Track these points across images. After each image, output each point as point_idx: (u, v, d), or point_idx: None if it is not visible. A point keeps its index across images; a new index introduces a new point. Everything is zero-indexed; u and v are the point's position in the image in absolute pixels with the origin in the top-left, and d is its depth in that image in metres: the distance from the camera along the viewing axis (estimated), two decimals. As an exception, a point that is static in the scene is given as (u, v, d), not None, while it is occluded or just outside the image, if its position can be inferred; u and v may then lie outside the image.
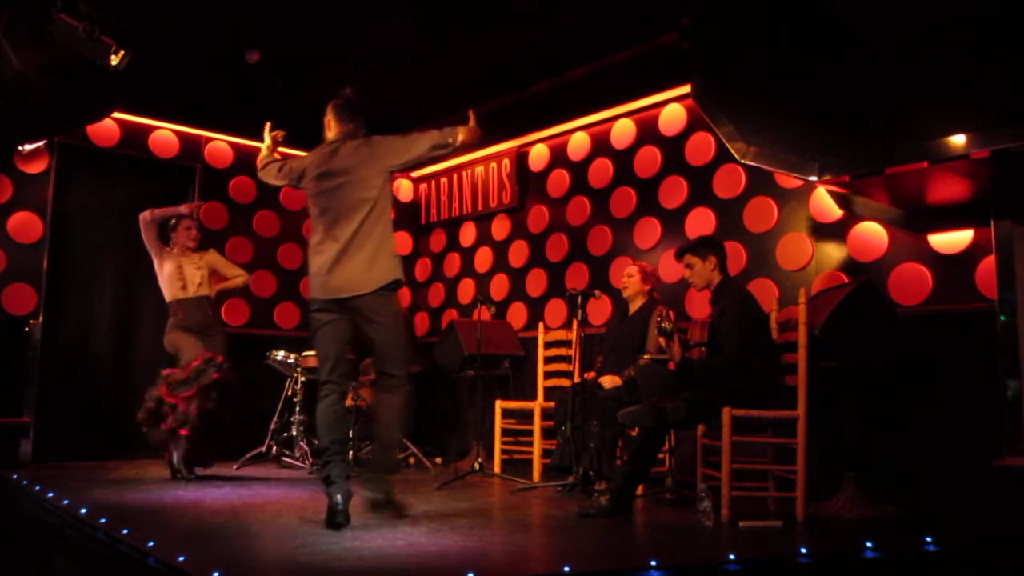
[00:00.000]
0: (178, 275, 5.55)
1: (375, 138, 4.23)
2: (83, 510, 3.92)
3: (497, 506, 4.71)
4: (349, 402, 6.54)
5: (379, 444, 4.17)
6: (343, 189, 4.07)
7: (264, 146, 4.46)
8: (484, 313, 6.23)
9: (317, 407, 4.02)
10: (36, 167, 6.63)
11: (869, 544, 3.38)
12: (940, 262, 4.65)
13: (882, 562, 3.32)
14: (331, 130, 4.27)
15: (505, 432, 6.13)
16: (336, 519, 3.73)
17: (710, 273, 4.49)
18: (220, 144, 7.48)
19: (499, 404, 6.14)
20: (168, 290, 5.58)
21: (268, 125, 4.51)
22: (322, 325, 4.03)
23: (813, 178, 4.36)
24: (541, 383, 6.19)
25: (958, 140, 3.77)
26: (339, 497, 3.77)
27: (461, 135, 4.19)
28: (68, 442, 6.49)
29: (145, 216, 5.59)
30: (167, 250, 5.65)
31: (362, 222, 4.02)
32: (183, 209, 5.69)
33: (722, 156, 5.58)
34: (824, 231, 5.16)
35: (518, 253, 7.17)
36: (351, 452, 6.28)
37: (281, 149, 4.48)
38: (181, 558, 2.89)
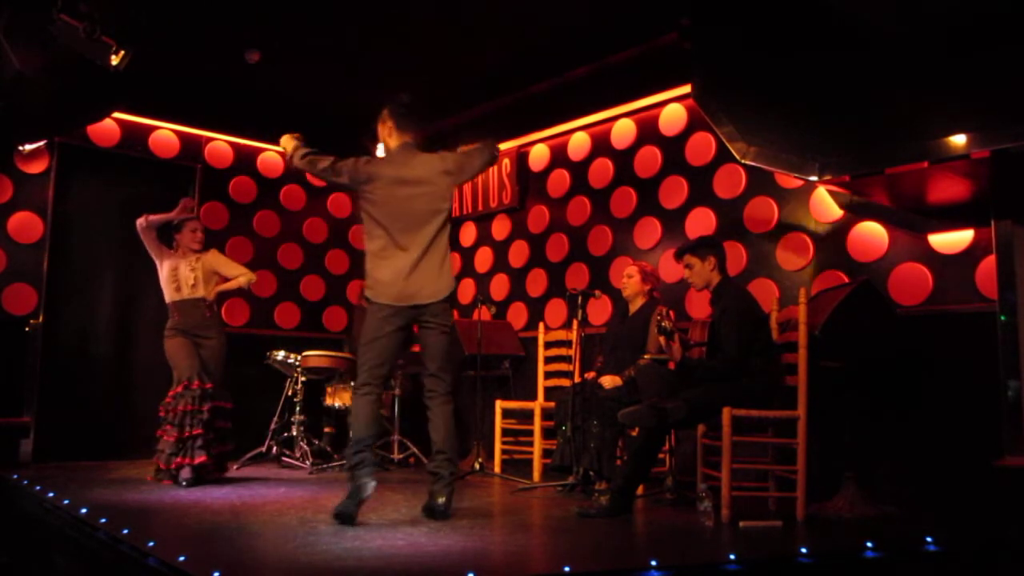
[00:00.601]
0: (173, 277, 5.53)
1: (444, 152, 4.39)
2: (83, 510, 3.92)
3: (497, 506, 4.71)
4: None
5: (445, 454, 4.18)
6: (418, 199, 4.18)
7: (291, 137, 4.42)
8: (484, 313, 6.23)
9: (355, 403, 4.14)
10: (36, 167, 6.63)
11: (869, 544, 3.38)
12: (940, 262, 4.65)
13: (882, 562, 3.32)
14: (392, 138, 4.33)
15: (505, 432, 6.13)
16: (352, 508, 3.85)
17: (709, 273, 4.49)
18: (220, 144, 7.48)
19: (499, 404, 6.14)
20: (165, 292, 5.57)
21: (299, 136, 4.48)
22: (387, 332, 4.12)
23: (813, 178, 4.36)
24: (541, 383, 6.19)
25: (958, 140, 3.77)
26: (373, 484, 3.92)
27: (498, 145, 4.53)
28: (68, 442, 6.48)
29: (140, 223, 5.56)
30: (168, 252, 5.63)
31: (435, 233, 4.18)
32: (173, 215, 5.64)
33: (722, 156, 5.58)
34: (824, 231, 5.17)
35: (518, 253, 7.17)
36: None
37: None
38: (181, 558, 2.89)
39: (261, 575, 2.97)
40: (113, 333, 6.98)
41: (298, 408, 6.49)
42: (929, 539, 3.48)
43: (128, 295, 7.04)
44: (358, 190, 4.28)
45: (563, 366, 6.06)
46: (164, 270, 5.56)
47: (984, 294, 4.44)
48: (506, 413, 6.12)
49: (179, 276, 5.53)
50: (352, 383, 5.88)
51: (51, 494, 4.47)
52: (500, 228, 7.39)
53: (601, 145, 6.62)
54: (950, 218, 4.61)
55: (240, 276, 5.70)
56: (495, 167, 7.35)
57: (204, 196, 7.31)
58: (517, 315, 7.07)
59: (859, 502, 4.29)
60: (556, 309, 6.76)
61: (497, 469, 6.00)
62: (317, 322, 7.86)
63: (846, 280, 4.89)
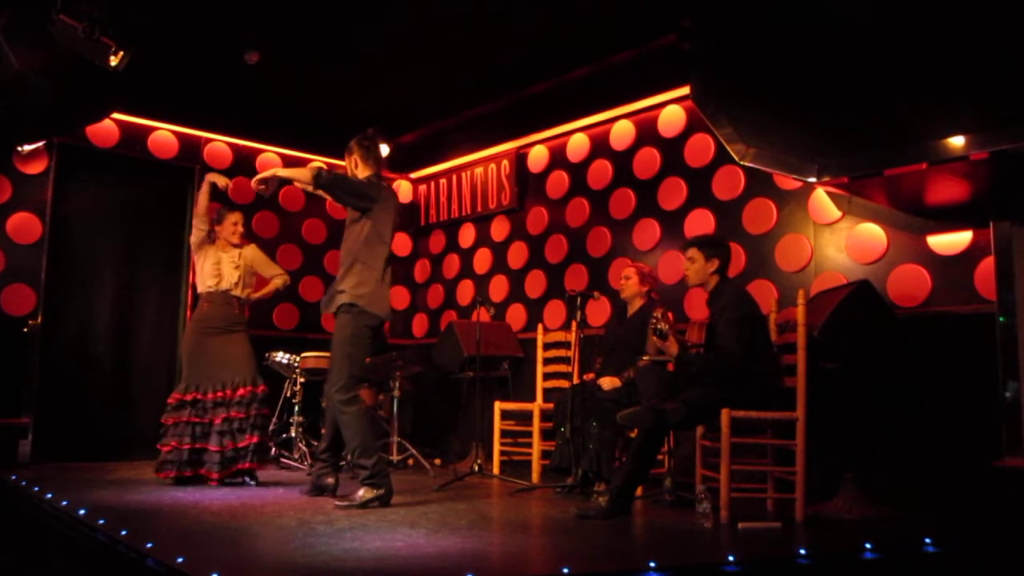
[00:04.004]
0: (216, 270, 5.46)
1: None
2: (82, 511, 3.92)
3: (496, 507, 4.70)
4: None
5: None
6: (393, 223, 4.68)
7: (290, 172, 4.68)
8: (483, 314, 6.23)
9: (364, 414, 4.47)
10: (35, 167, 6.62)
11: (868, 545, 3.38)
12: (939, 263, 4.65)
13: (881, 563, 3.32)
14: (359, 169, 4.71)
15: (504, 433, 6.13)
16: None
17: (708, 274, 4.47)
18: (219, 145, 7.47)
19: (498, 405, 6.13)
20: (203, 282, 5.48)
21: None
22: (373, 339, 4.64)
23: (812, 179, 4.36)
24: (540, 384, 6.19)
25: (957, 141, 3.77)
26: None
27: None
28: (67, 443, 6.48)
29: (201, 229, 5.50)
30: (208, 245, 5.59)
31: None
32: (209, 178, 5.55)
33: (721, 157, 5.59)
34: (823, 232, 5.17)
35: (517, 254, 7.18)
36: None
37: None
38: (180, 559, 2.89)
39: (260, 576, 2.97)
40: (112, 333, 6.97)
41: (297, 409, 6.49)
42: (928, 540, 3.48)
43: (127, 295, 7.04)
44: (371, 209, 4.56)
45: (562, 367, 6.06)
46: (207, 262, 5.47)
47: (983, 295, 4.45)
48: (505, 414, 6.12)
49: (222, 270, 5.48)
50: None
51: (50, 495, 4.47)
52: (499, 229, 7.39)
53: (600, 146, 6.62)
54: (949, 219, 4.61)
55: (276, 277, 5.69)
56: (496, 167, 7.37)
57: (203, 197, 7.30)
58: (516, 316, 7.08)
59: (858, 503, 4.29)
60: (555, 310, 6.76)
61: (496, 470, 6.00)
62: (316, 323, 7.85)
63: (845, 281, 4.89)
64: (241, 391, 5.30)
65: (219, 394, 5.30)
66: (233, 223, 5.57)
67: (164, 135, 7.21)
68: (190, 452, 5.20)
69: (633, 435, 4.63)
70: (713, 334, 4.41)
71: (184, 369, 5.44)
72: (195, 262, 5.58)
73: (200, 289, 5.53)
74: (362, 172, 4.69)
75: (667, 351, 4.36)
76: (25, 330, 6.45)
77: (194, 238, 5.53)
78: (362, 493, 4.38)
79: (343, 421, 4.46)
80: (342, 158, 4.83)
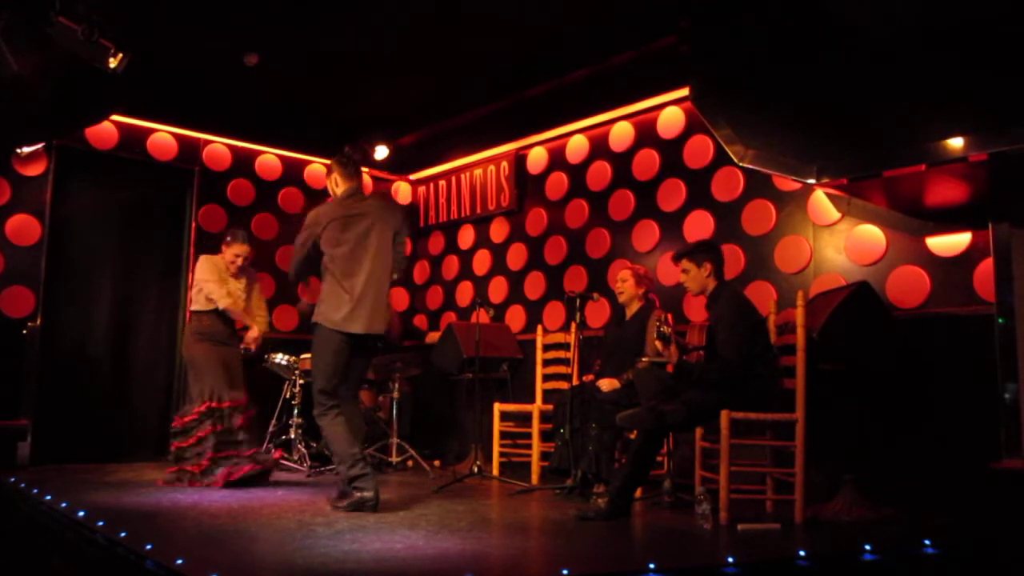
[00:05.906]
0: (226, 292, 5.50)
1: (389, 201, 4.78)
2: (81, 513, 3.92)
3: (495, 509, 4.70)
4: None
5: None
6: (372, 232, 4.54)
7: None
8: (483, 316, 6.23)
9: (334, 423, 4.38)
10: (34, 169, 6.62)
11: (867, 547, 3.38)
12: (938, 265, 4.65)
13: (880, 564, 3.33)
14: (340, 186, 4.68)
15: (503, 435, 6.13)
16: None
17: (705, 279, 4.48)
18: (218, 147, 7.46)
19: (497, 407, 6.14)
20: (212, 302, 5.49)
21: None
22: (345, 355, 4.47)
23: (811, 181, 4.36)
24: (539, 386, 6.19)
25: (956, 143, 3.77)
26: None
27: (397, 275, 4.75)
28: (66, 444, 6.47)
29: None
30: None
31: (384, 266, 4.56)
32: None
33: (720, 159, 5.59)
34: (822, 234, 5.17)
35: (516, 256, 7.18)
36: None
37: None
38: (179, 561, 2.89)
39: (259, 578, 2.97)
40: (111, 335, 6.97)
41: (296, 411, 6.48)
42: (927, 541, 3.48)
43: (126, 297, 7.03)
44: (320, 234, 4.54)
45: (561, 368, 6.06)
46: (224, 285, 5.52)
47: (982, 297, 4.45)
48: (504, 416, 6.12)
49: (232, 290, 5.53)
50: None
51: (49, 496, 4.47)
52: (498, 231, 7.39)
53: (599, 148, 6.62)
54: (948, 221, 4.61)
55: (259, 318, 5.72)
56: (495, 169, 7.37)
57: (201, 199, 7.30)
58: (515, 317, 7.07)
59: (857, 504, 4.29)
60: (554, 311, 6.76)
61: (495, 472, 6.00)
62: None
63: (844, 283, 4.89)
64: (243, 401, 5.44)
65: (237, 402, 5.42)
66: (235, 254, 5.54)
67: (163, 137, 7.20)
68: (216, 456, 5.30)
69: (632, 436, 4.63)
70: (712, 337, 4.42)
71: (204, 377, 5.40)
72: (209, 281, 5.48)
73: (204, 307, 5.50)
74: (341, 188, 4.68)
75: (667, 357, 4.37)
76: (24, 332, 6.45)
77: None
78: (351, 497, 4.36)
79: (322, 433, 4.57)
80: (340, 160, 4.81)
